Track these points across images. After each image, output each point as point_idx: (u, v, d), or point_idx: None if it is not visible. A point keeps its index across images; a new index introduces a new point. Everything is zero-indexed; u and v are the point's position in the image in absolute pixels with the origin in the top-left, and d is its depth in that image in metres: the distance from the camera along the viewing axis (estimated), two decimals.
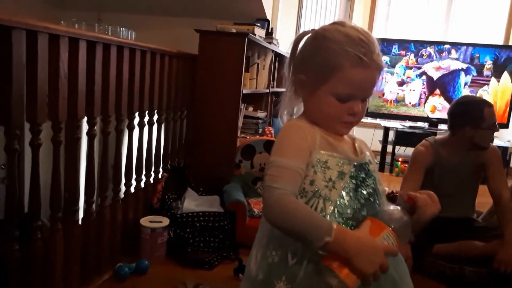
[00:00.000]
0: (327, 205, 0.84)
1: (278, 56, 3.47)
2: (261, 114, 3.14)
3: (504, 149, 4.21)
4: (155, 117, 2.29)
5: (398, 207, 0.86)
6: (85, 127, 1.72)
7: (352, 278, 0.75)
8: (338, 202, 0.85)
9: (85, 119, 1.68)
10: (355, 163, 0.90)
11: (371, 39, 0.87)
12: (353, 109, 0.88)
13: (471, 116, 2.04)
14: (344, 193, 0.86)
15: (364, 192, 0.89)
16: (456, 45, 4.43)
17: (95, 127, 1.73)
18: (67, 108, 1.52)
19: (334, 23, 0.90)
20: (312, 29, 0.94)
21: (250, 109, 3.17)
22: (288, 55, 0.97)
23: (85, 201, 1.75)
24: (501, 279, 1.85)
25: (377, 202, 0.91)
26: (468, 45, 4.42)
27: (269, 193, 0.80)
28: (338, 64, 0.85)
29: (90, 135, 1.72)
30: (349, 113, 0.89)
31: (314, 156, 0.86)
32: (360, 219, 0.86)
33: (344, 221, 0.85)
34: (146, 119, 2.19)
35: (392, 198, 2.78)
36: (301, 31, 4.01)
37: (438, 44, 4.48)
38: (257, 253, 0.91)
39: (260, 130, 3.08)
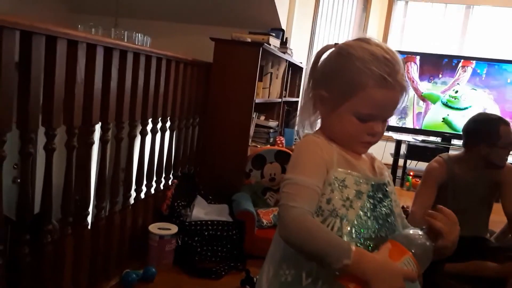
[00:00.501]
0: (344, 225, 0.82)
1: (292, 65, 3.47)
2: (272, 123, 3.14)
3: None
4: (168, 124, 2.29)
5: (421, 232, 0.83)
6: (97, 132, 1.72)
7: None
8: (355, 222, 0.83)
9: (99, 124, 1.69)
10: (373, 183, 0.88)
11: (396, 59, 0.84)
12: (373, 129, 0.86)
13: (487, 134, 2.01)
14: (361, 213, 0.84)
15: (383, 212, 0.87)
16: (472, 59, 4.40)
17: (109, 133, 1.74)
18: (82, 113, 1.53)
19: (359, 40, 0.88)
20: (335, 44, 0.91)
21: (262, 118, 3.17)
22: (308, 68, 0.96)
23: (95, 206, 1.76)
24: None
25: (394, 224, 0.89)
26: (484, 60, 4.38)
27: (286, 212, 0.78)
28: (361, 83, 0.83)
29: (103, 140, 1.73)
30: (368, 133, 0.87)
31: (332, 174, 0.84)
32: (378, 240, 0.84)
33: (362, 242, 0.83)
34: (159, 125, 2.19)
35: (404, 213, 2.74)
36: (316, 41, 4.00)
37: (454, 58, 4.45)
38: (269, 270, 0.89)
39: (271, 140, 3.07)
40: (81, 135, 1.57)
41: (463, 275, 1.99)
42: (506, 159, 2.09)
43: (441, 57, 4.45)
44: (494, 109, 4.24)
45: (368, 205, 0.85)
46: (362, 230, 0.83)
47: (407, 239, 0.80)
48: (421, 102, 4.48)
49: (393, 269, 0.75)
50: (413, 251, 0.78)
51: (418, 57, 4.43)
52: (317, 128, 0.96)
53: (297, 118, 0.98)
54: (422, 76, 4.44)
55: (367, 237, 0.83)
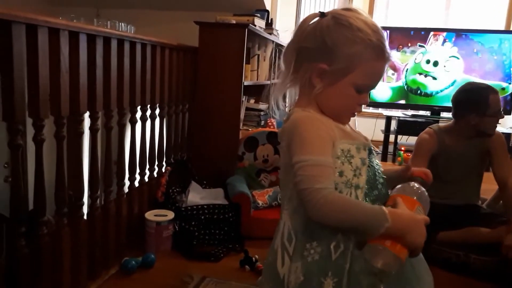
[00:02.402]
0: (358, 193, 0.86)
1: (279, 47, 3.44)
2: (263, 106, 3.13)
3: (508, 136, 4.19)
4: (157, 111, 2.28)
5: (415, 183, 0.90)
6: (87, 121, 1.71)
7: (404, 252, 0.78)
8: (366, 187, 0.87)
9: (87, 113, 1.67)
10: (368, 147, 0.92)
11: (381, 29, 0.87)
12: (365, 99, 0.89)
13: (476, 104, 2.02)
14: (368, 177, 0.88)
15: (380, 171, 0.93)
16: (456, 32, 4.41)
17: (98, 122, 1.72)
18: (69, 103, 1.51)
19: (350, 10, 0.87)
20: (320, 12, 0.89)
21: (252, 101, 3.16)
22: (293, 39, 0.91)
23: (90, 196, 1.75)
24: (509, 266, 1.84)
25: (385, 179, 0.94)
26: (468, 31, 4.39)
27: (314, 195, 0.78)
28: (365, 55, 0.84)
29: (93, 129, 1.72)
30: (360, 104, 0.90)
31: (338, 147, 0.86)
32: (384, 198, 0.89)
33: (372, 203, 0.87)
34: (148, 113, 2.18)
35: None
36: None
37: (438, 30, 4.45)
38: (284, 255, 0.88)
39: (263, 122, 3.07)
40: (70, 125, 1.56)
41: (457, 243, 2.03)
42: (495, 127, 2.11)
43: (408, 30, 4.49)
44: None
45: (370, 169, 0.90)
46: (372, 193, 0.88)
47: (407, 191, 0.87)
48: (390, 72, 4.51)
49: (417, 219, 0.80)
50: (415, 198, 0.85)
51: (388, 31, 4.47)
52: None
53: (275, 92, 0.95)
54: (391, 45, 4.47)
55: (375, 198, 0.89)
